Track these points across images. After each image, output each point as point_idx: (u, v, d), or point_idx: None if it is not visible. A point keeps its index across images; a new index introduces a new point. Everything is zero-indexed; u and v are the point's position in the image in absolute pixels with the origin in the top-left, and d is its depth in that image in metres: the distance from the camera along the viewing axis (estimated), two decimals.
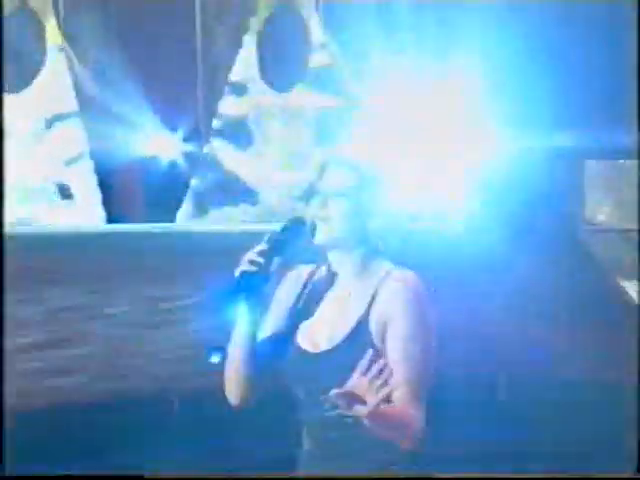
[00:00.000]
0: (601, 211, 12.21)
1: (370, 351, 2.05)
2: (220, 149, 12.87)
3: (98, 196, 12.41)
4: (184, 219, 12.43)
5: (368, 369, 1.99)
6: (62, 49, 12.62)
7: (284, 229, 2.28)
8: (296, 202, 11.69)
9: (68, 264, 10.31)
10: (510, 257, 10.36)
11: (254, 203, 12.46)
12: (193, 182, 12.56)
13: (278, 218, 11.85)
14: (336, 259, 2.28)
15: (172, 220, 12.32)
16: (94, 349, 8.22)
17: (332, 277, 2.32)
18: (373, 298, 2.23)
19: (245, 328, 2.21)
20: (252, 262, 2.18)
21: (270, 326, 2.32)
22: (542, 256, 10.28)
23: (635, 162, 12.38)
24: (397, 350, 2.17)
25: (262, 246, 2.21)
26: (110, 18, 12.78)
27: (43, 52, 12.65)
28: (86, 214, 12.50)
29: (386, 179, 2.39)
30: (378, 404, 1.98)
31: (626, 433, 6.30)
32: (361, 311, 2.23)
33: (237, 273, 2.17)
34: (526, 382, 7.32)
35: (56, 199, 12.72)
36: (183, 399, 6.49)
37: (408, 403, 2.16)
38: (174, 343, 8.35)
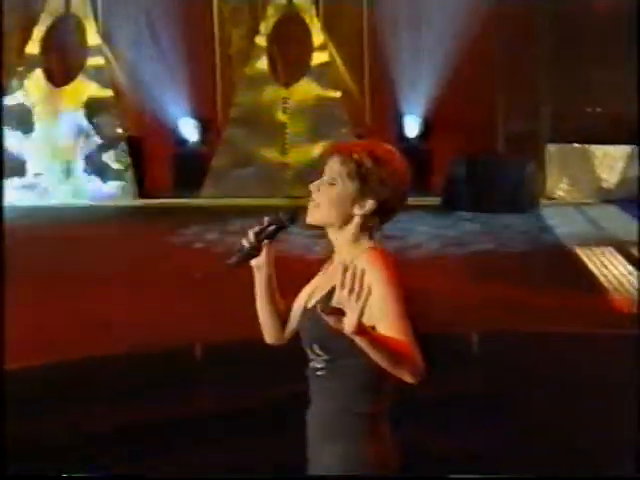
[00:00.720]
0: (559, 188, 12.95)
1: (342, 267, 2.01)
2: (235, 134, 13.64)
3: (131, 174, 13.26)
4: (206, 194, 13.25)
5: (343, 282, 1.99)
6: (100, 49, 13.41)
7: (275, 219, 2.40)
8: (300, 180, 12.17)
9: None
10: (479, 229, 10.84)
11: (265, 180, 13.31)
12: (213, 162, 13.37)
13: (285, 192, 12.54)
14: (332, 235, 2.33)
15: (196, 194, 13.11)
16: None
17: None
18: (353, 263, 2.17)
19: (257, 283, 2.45)
20: (248, 240, 2.37)
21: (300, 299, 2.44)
22: (508, 226, 10.99)
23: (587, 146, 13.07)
24: (376, 299, 2.16)
25: (256, 229, 2.38)
26: (141, 23, 13.57)
27: (85, 51, 13.45)
28: (120, 189, 13.41)
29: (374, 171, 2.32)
30: (361, 315, 1.98)
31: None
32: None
33: (241, 243, 2.38)
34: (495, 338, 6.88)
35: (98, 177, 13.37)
36: None
37: (398, 334, 2.16)
38: None
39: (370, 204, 2.26)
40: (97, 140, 13.53)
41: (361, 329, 2.01)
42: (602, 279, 8.38)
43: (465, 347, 6.50)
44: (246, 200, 12.75)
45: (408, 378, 2.12)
